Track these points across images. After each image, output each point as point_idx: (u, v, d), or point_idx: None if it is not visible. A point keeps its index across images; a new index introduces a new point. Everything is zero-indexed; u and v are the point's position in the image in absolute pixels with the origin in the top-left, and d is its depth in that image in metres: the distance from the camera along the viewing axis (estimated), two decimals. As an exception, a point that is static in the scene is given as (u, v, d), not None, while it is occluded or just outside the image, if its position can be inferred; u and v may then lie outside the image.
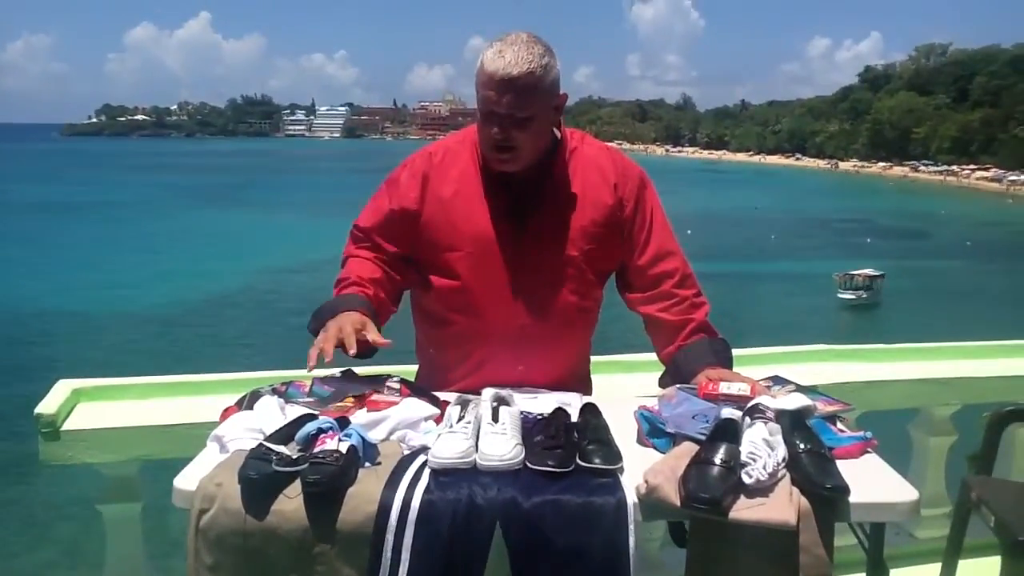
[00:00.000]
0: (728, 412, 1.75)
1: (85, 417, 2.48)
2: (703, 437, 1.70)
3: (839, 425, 1.89)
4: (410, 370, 2.35)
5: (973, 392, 3.13)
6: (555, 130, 2.17)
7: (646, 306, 2.21)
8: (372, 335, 1.97)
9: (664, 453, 1.75)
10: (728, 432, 1.67)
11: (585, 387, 2.29)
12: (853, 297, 33.64)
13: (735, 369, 2.13)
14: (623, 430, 1.84)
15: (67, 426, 2.41)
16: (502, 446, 1.66)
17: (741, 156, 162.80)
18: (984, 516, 2.35)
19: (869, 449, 1.79)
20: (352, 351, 1.90)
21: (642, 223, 2.20)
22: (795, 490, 1.58)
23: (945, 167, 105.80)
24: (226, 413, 1.91)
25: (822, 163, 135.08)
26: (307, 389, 2.00)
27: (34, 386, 2.98)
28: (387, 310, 2.18)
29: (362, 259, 2.19)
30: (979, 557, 2.60)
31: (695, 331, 2.17)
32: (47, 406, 2.38)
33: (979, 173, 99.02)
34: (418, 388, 2.00)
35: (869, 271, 34.74)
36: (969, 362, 3.27)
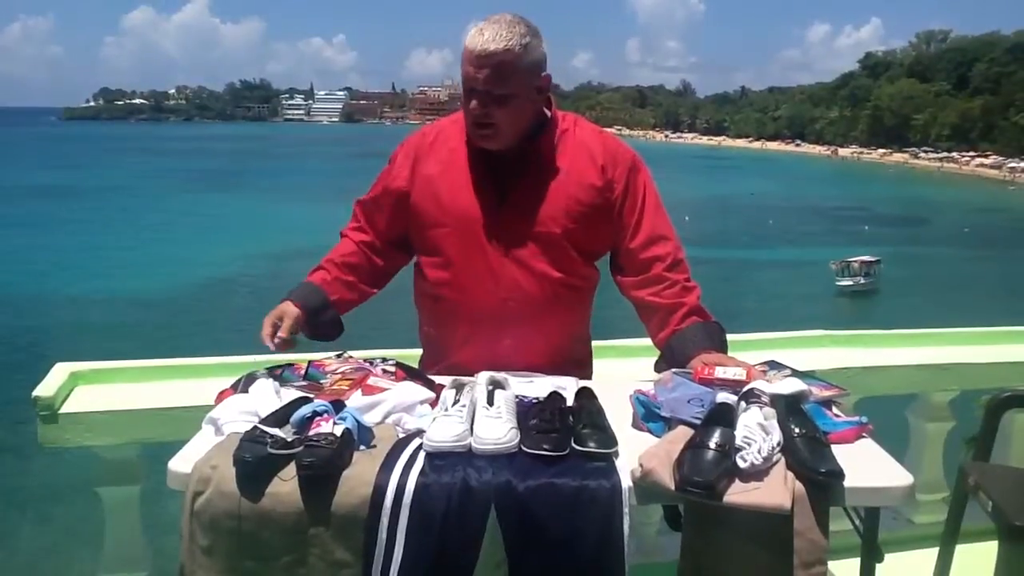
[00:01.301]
0: (723, 396, 1.75)
1: (83, 400, 2.48)
2: (698, 421, 1.70)
3: (834, 410, 1.89)
4: (410, 353, 2.35)
5: (971, 378, 3.13)
6: (546, 111, 2.18)
7: (637, 290, 2.21)
8: (281, 331, 2.14)
9: (659, 437, 1.75)
10: (723, 416, 1.67)
11: (584, 371, 2.28)
12: (851, 284, 33.64)
13: (731, 354, 2.13)
14: (618, 414, 1.84)
15: (65, 409, 2.41)
16: (497, 429, 1.67)
17: (741, 142, 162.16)
18: (981, 501, 2.35)
19: (864, 434, 1.79)
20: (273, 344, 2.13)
21: (632, 206, 2.20)
22: (790, 474, 1.59)
23: (945, 154, 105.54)
24: (222, 396, 1.91)
25: (821, 149, 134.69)
26: (303, 372, 2.00)
27: (32, 369, 2.98)
28: (360, 291, 2.31)
29: (348, 240, 2.33)
30: (976, 542, 2.60)
31: (688, 315, 2.16)
32: (45, 389, 2.38)
33: (979, 160, 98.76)
34: (414, 371, 2.01)
35: (865, 257, 34.72)
36: (967, 348, 3.27)
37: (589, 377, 2.28)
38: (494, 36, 2.00)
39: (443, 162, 2.18)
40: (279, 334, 2.12)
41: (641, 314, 2.24)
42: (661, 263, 2.19)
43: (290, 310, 2.16)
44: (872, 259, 34.58)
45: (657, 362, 2.20)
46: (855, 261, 34.45)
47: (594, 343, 2.44)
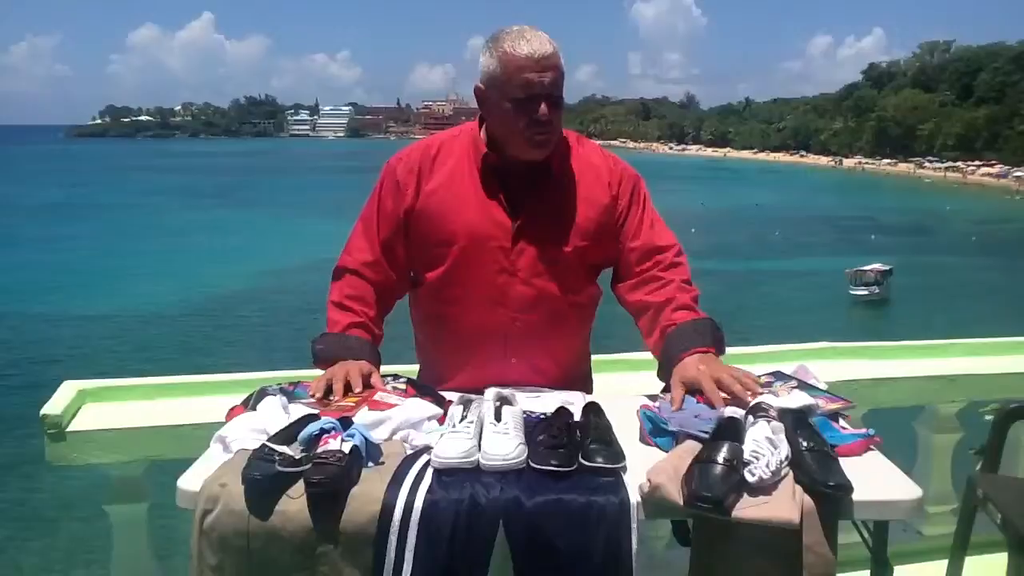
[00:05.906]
0: (731, 411, 1.75)
1: (91, 418, 2.48)
2: (706, 436, 1.71)
3: (841, 423, 1.89)
4: (413, 369, 2.36)
5: (979, 389, 3.12)
6: None
7: (631, 293, 2.19)
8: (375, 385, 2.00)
9: (667, 452, 1.75)
10: (731, 431, 1.67)
11: (584, 386, 2.28)
12: (866, 292, 33.53)
13: (739, 367, 2.08)
14: (626, 429, 1.84)
15: (73, 427, 2.41)
16: (505, 445, 1.67)
17: (745, 154, 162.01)
18: (990, 513, 2.34)
19: (872, 446, 1.79)
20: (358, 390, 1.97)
21: (633, 216, 2.20)
22: (798, 488, 1.58)
23: (950, 164, 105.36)
24: (233, 412, 1.91)
25: (826, 160, 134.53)
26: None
27: (40, 387, 2.99)
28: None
29: (367, 284, 2.19)
30: (985, 554, 2.59)
31: (676, 309, 2.11)
32: (53, 407, 2.39)
33: (984, 169, 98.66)
34: (424, 388, 2.01)
35: (879, 266, 34.60)
36: (975, 359, 3.27)
37: (590, 391, 2.27)
38: (540, 40, 2.00)
39: (449, 177, 2.14)
40: (375, 384, 2.00)
41: (636, 318, 2.21)
42: (657, 267, 2.18)
43: (375, 371, 2.06)
44: (885, 268, 34.45)
45: (658, 371, 2.15)
46: (869, 270, 34.32)
47: (599, 357, 2.44)
